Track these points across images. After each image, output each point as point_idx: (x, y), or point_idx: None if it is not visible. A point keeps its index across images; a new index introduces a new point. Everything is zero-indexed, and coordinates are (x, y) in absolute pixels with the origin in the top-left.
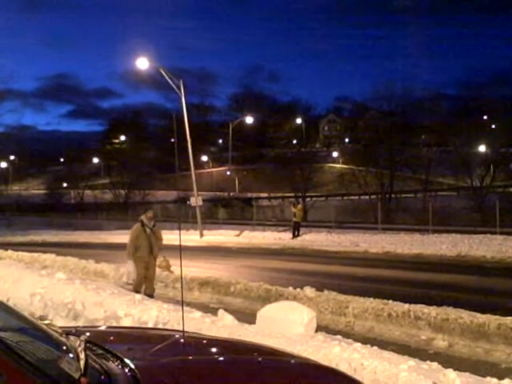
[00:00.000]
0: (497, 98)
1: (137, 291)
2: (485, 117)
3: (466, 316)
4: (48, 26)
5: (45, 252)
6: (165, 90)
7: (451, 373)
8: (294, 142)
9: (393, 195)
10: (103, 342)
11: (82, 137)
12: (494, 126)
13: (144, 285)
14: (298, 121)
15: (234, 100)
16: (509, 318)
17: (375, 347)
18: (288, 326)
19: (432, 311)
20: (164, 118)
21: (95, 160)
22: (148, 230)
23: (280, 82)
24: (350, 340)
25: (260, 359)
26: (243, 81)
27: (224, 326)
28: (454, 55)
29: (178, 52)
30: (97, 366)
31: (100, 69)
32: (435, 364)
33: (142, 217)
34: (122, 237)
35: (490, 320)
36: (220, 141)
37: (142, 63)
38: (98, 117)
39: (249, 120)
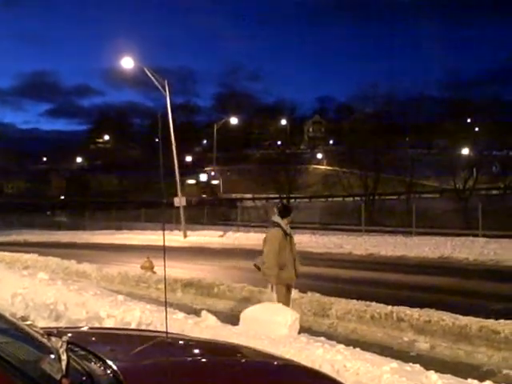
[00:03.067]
0: (481, 100)
1: None
2: (468, 120)
3: (447, 318)
4: (25, 21)
5: (27, 252)
6: (146, 88)
7: (433, 375)
8: (279, 143)
9: (377, 197)
10: (85, 343)
11: (64, 136)
12: (477, 129)
13: None
14: (283, 122)
15: (218, 100)
16: (490, 320)
17: (358, 349)
18: (271, 327)
19: (414, 313)
20: (147, 118)
21: (79, 159)
22: (288, 239)
23: (262, 81)
24: (333, 342)
25: (243, 360)
26: (225, 80)
27: (207, 327)
28: (439, 56)
29: (158, 50)
30: (79, 367)
31: (79, 66)
32: (417, 366)
33: (277, 219)
34: (106, 237)
35: (472, 322)
36: (204, 141)
37: (127, 62)
38: (79, 115)
39: (233, 121)
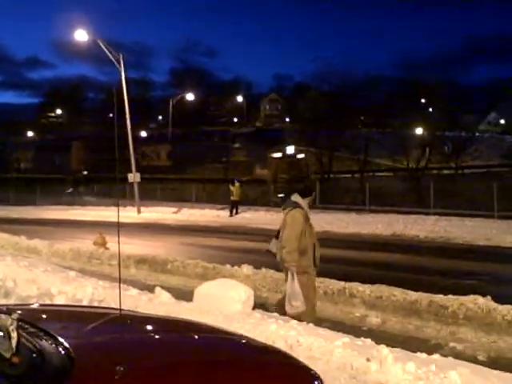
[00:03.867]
0: (434, 81)
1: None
2: (422, 100)
3: (398, 294)
4: None
5: None
6: (99, 62)
7: (384, 348)
8: (235, 120)
9: (331, 175)
10: (36, 320)
11: (12, 108)
12: (431, 109)
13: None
14: (240, 99)
15: (174, 75)
16: (439, 295)
17: (311, 324)
18: (225, 303)
19: (366, 289)
20: (100, 92)
21: (30, 134)
22: (308, 221)
23: (219, 58)
24: (286, 317)
25: (197, 336)
26: (181, 55)
27: (161, 304)
28: (395, 36)
29: (111, 23)
30: (29, 344)
31: (29, 38)
32: (369, 340)
33: (298, 198)
34: (58, 213)
35: (422, 297)
36: (160, 117)
37: (80, 35)
38: (28, 88)
39: (189, 97)
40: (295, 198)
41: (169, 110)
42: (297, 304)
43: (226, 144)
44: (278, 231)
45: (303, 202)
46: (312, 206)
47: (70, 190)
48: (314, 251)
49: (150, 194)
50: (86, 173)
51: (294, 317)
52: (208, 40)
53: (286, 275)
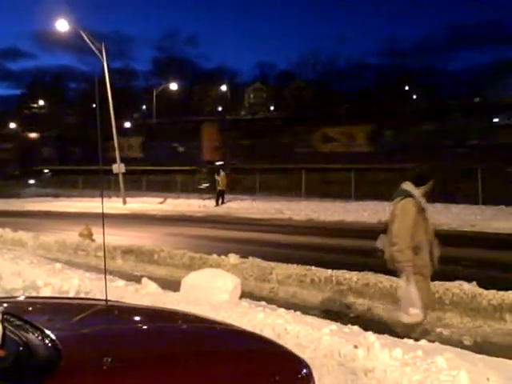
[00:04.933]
0: (418, 68)
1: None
2: (406, 87)
3: (385, 281)
4: None
5: None
6: (80, 52)
7: (371, 335)
8: (220, 109)
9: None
10: (22, 312)
11: None
12: (415, 97)
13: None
14: (223, 88)
15: (156, 65)
16: None
17: (298, 312)
18: (212, 292)
19: (353, 276)
20: (82, 82)
21: (12, 125)
22: (423, 214)
23: (201, 46)
24: (273, 306)
25: (184, 326)
26: (162, 44)
27: (148, 294)
28: (379, 23)
29: (91, 13)
30: (15, 337)
31: (7, 28)
32: (356, 327)
33: (410, 187)
34: (42, 205)
35: None
36: (144, 107)
37: (62, 25)
38: (8, 79)
39: (173, 86)
40: (407, 186)
41: (152, 99)
42: (415, 312)
43: None
44: (386, 225)
45: (417, 192)
46: (296, 196)
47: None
48: (431, 249)
49: (135, 185)
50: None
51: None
52: (189, 28)
53: (398, 276)
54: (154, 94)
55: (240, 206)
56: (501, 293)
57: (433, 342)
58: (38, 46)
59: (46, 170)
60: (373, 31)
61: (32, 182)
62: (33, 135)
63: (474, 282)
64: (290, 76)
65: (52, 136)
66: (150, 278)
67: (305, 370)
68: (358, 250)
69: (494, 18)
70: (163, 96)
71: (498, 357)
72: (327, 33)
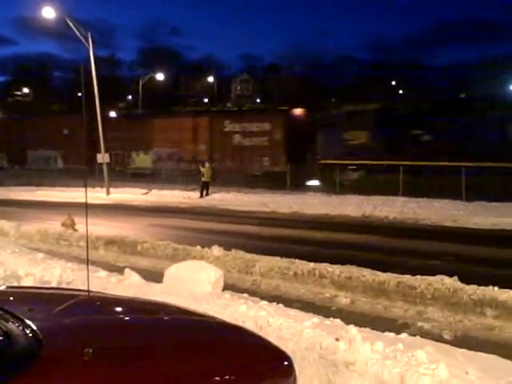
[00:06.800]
0: (405, 64)
1: None
2: (393, 82)
3: (367, 274)
4: None
5: None
6: (64, 39)
7: (352, 328)
8: (206, 100)
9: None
10: (3, 302)
11: None
12: (401, 92)
13: None
14: (210, 79)
15: (142, 55)
16: (407, 276)
17: (281, 305)
18: (195, 284)
19: (336, 269)
20: (68, 70)
21: None
22: None
23: (186, 37)
24: (256, 298)
25: (166, 318)
26: (147, 34)
27: (130, 285)
28: (366, 18)
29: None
30: None
31: None
32: (338, 320)
33: None
34: (25, 194)
35: (390, 278)
36: (129, 97)
37: (48, 12)
38: None
39: (159, 76)
40: None
41: (138, 89)
42: None
43: None
44: None
45: None
46: (283, 188)
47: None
48: None
49: (120, 175)
50: None
51: None
52: (175, 19)
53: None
54: (140, 84)
55: (224, 198)
56: (481, 288)
57: (414, 335)
58: (20, 32)
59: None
60: (360, 26)
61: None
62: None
63: (456, 277)
64: (276, 68)
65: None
66: (133, 269)
67: (286, 363)
68: (342, 244)
69: (480, 16)
70: (149, 86)
71: (477, 351)
72: (315, 26)
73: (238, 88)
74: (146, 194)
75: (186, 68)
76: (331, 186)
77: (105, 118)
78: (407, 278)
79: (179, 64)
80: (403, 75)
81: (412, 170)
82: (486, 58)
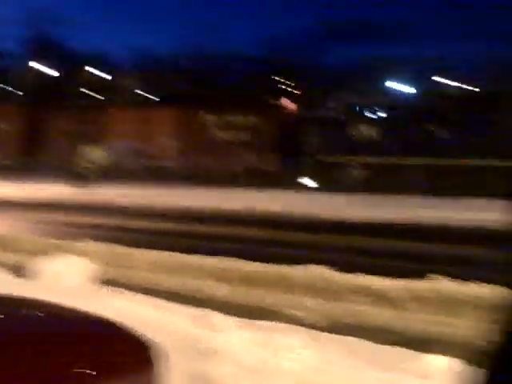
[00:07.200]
0: (294, 61)
1: None
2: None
3: (244, 265)
4: None
5: None
6: None
7: (223, 317)
8: (91, 93)
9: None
10: None
11: None
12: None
13: None
14: (97, 72)
15: (26, 45)
16: (284, 265)
17: (157, 298)
18: (68, 279)
19: (213, 261)
20: None
21: None
22: None
23: (72, 28)
24: (131, 292)
25: (38, 314)
26: (31, 23)
27: None
28: (255, 16)
29: None
30: None
31: None
32: (210, 310)
33: None
34: None
35: (267, 268)
36: (10, 88)
37: None
38: None
39: (42, 68)
40: None
41: (21, 82)
42: None
43: None
44: None
45: None
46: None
47: None
48: None
49: None
50: None
51: None
52: (58, 8)
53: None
54: (22, 75)
55: (109, 193)
56: (349, 275)
57: (288, 323)
58: None
59: None
60: (250, 24)
61: None
62: None
63: (328, 266)
64: (165, 63)
65: None
66: (4, 265)
67: (150, 352)
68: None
69: (364, 16)
70: (35, 79)
71: (346, 335)
72: (204, 23)
73: (124, 82)
74: (24, 188)
75: (72, 60)
76: None
77: None
78: (284, 268)
79: (65, 56)
80: (294, 73)
81: None
82: (367, 57)
